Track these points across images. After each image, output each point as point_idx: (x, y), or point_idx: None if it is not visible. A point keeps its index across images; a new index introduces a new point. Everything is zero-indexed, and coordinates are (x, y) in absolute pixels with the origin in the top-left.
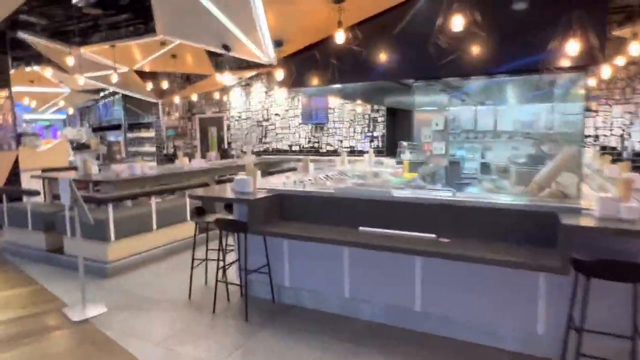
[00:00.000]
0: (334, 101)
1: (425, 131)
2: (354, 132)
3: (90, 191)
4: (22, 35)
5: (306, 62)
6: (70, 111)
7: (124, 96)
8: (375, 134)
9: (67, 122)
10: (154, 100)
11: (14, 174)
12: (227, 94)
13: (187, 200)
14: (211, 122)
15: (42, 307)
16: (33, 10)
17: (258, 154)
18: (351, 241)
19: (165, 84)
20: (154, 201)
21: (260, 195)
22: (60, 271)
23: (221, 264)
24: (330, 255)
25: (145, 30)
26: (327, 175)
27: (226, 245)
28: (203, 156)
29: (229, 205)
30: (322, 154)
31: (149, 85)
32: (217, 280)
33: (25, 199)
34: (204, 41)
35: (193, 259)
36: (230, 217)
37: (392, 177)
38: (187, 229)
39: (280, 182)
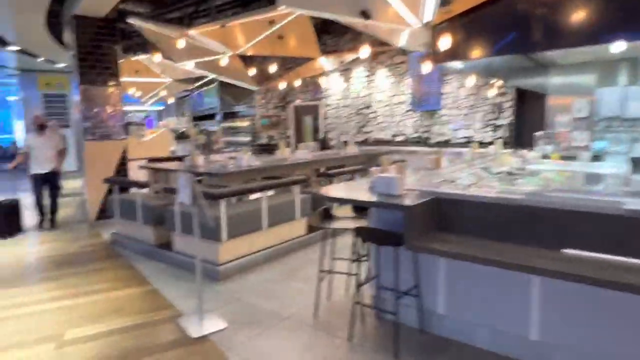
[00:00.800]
0: (451, 86)
1: (561, 118)
2: (473, 119)
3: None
4: (132, 22)
5: (473, 27)
6: (170, 101)
7: (220, 85)
8: (498, 122)
9: (164, 112)
10: (253, 88)
11: (122, 164)
12: (324, 80)
13: (298, 196)
14: (306, 110)
15: (156, 315)
16: None
17: (357, 144)
18: (563, 272)
19: (269, 68)
20: (264, 196)
21: (415, 199)
22: (170, 270)
23: (348, 277)
24: (510, 281)
25: (260, 5)
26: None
27: (360, 255)
28: (297, 146)
29: (360, 208)
30: (432, 145)
31: (251, 71)
32: (355, 302)
33: (133, 190)
34: (336, 10)
35: (320, 270)
36: (360, 222)
37: (553, 176)
38: (296, 227)
39: (416, 180)
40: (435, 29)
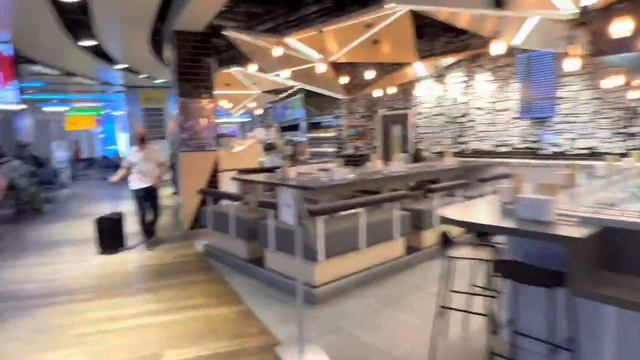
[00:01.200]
0: (569, 89)
1: None
2: (597, 127)
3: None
4: (229, 34)
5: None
6: (258, 112)
7: (305, 95)
8: (632, 129)
9: (248, 124)
10: (341, 97)
11: (213, 175)
12: (414, 87)
13: (397, 212)
14: (394, 119)
15: (253, 341)
16: (231, 10)
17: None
18: None
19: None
20: (362, 213)
21: (576, 228)
22: (262, 288)
23: (473, 317)
24: None
25: (355, 8)
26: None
27: (489, 290)
28: (386, 158)
29: (482, 233)
30: (542, 157)
31: (343, 79)
32: (491, 352)
33: (225, 201)
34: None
35: (441, 306)
36: (483, 249)
37: None
38: (394, 248)
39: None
40: (604, 13)
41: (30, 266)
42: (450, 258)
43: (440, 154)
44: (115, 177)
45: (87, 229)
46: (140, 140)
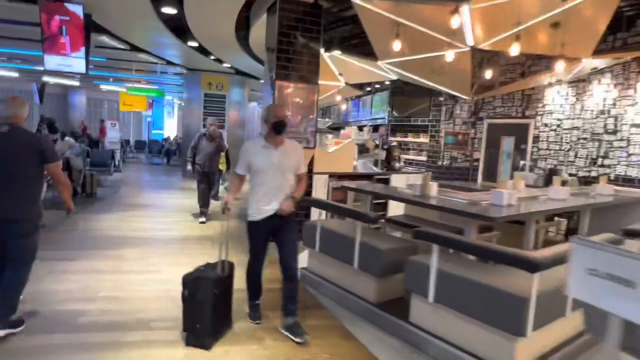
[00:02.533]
0: None
1: None
2: None
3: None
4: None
5: None
6: (343, 107)
7: (392, 92)
8: None
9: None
10: (465, 97)
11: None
12: (542, 93)
13: None
14: (507, 129)
15: None
16: None
17: (585, 180)
18: None
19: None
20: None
21: None
22: (406, 351)
23: None
24: None
25: None
26: None
27: None
28: (489, 175)
29: None
30: None
31: (487, 73)
32: None
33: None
34: None
35: None
36: None
37: None
38: None
39: None
40: None
41: (86, 273)
42: None
43: (585, 179)
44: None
45: (150, 224)
46: (211, 138)
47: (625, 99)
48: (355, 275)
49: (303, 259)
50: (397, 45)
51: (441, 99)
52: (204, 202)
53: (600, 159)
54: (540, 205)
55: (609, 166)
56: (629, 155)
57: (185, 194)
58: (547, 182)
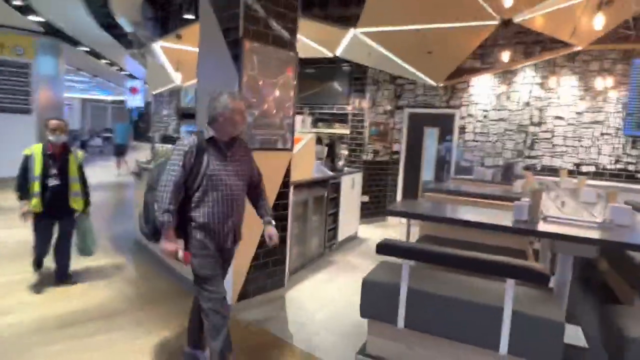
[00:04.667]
0: None
1: None
2: None
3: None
4: None
5: None
6: None
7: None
8: None
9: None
10: (434, 83)
11: (283, 189)
12: (468, 81)
13: None
14: (428, 119)
15: None
16: None
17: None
18: None
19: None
20: None
21: None
22: None
23: None
24: None
25: None
26: None
27: None
28: (412, 170)
29: None
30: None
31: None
32: None
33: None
34: None
35: None
36: None
37: None
38: None
39: None
40: None
41: None
42: None
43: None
44: None
45: None
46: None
47: (549, 91)
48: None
49: (358, 335)
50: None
51: (435, 84)
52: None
53: (528, 151)
54: None
55: (536, 157)
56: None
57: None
58: (505, 177)
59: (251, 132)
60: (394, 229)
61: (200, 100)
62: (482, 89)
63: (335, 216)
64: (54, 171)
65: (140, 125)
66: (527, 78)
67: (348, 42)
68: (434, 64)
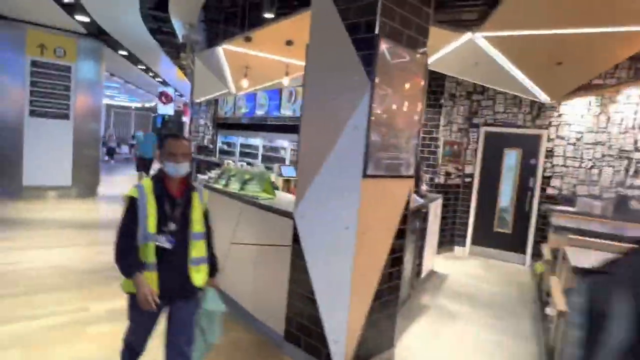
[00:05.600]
0: None
1: None
2: None
3: None
4: None
5: None
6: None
7: None
8: None
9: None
10: (546, 101)
11: (404, 220)
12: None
13: None
14: (509, 139)
15: None
16: None
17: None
18: None
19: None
20: None
21: None
22: None
23: None
24: None
25: None
26: None
27: None
28: (489, 194)
29: None
30: None
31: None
32: None
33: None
34: None
35: None
36: None
37: None
38: None
39: None
40: None
41: None
42: None
43: None
44: None
45: None
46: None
47: None
48: None
49: None
50: None
51: (547, 102)
52: None
53: (630, 180)
54: None
55: None
56: None
57: None
58: (619, 211)
59: (378, 156)
60: (467, 262)
61: (308, 109)
62: (576, 109)
63: (421, 249)
64: (172, 225)
65: (163, 133)
66: (631, 97)
67: (452, 49)
68: (558, 78)
